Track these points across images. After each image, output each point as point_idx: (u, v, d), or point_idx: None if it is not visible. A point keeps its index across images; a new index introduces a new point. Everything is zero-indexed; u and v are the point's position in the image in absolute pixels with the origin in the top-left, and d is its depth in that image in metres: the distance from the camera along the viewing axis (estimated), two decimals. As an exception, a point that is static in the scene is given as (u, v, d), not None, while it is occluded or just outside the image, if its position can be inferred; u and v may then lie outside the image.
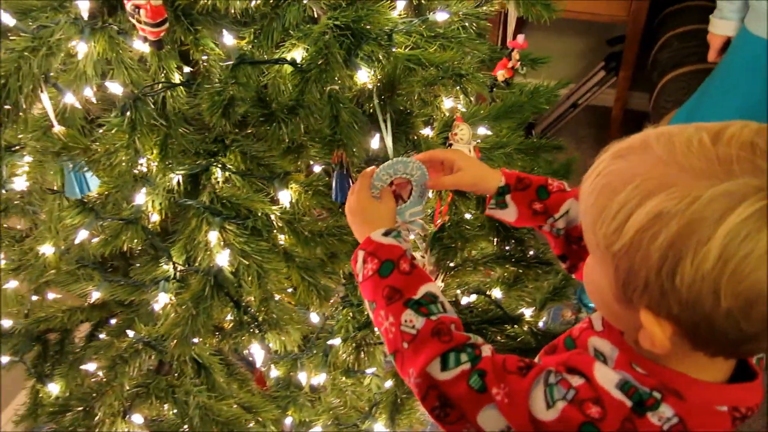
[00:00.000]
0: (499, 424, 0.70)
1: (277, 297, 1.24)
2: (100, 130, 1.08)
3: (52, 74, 1.01)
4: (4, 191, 1.23)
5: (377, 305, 0.84)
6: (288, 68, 1.02)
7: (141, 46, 1.03)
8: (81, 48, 0.99)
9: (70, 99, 1.03)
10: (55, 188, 1.19)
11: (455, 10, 1.15)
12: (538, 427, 0.67)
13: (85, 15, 0.99)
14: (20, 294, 1.46)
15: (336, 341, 1.35)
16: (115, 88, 1.06)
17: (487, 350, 0.76)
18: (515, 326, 1.38)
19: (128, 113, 1.05)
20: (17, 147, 1.17)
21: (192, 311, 1.15)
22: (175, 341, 1.17)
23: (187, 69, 1.10)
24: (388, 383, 1.43)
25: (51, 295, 1.51)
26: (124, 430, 1.31)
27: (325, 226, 1.18)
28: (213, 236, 1.14)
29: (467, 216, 1.31)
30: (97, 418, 1.29)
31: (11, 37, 0.96)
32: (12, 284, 1.41)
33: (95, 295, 1.35)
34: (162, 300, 1.22)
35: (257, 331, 1.25)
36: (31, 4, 0.98)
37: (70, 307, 1.47)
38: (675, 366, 0.68)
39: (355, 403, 1.49)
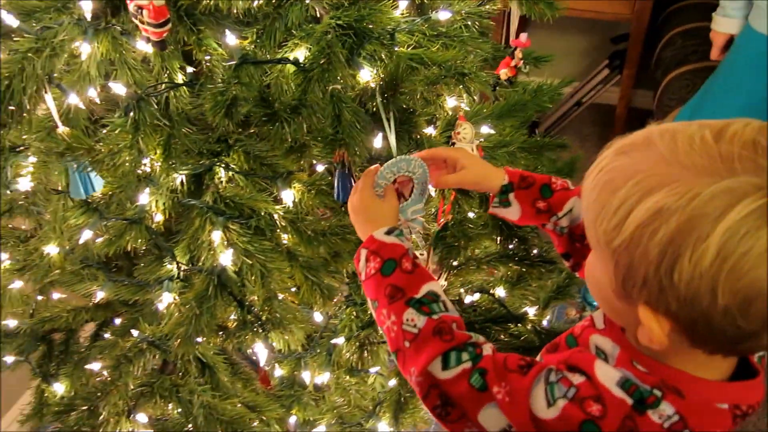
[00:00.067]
0: (500, 423, 0.71)
1: (280, 296, 1.24)
2: (104, 131, 1.08)
3: (55, 75, 1.01)
4: (8, 192, 1.24)
5: (379, 304, 0.84)
6: (291, 68, 1.02)
7: (144, 47, 1.03)
8: (84, 49, 0.99)
9: (73, 100, 1.04)
10: (60, 189, 1.20)
11: (458, 8, 1.15)
12: (539, 425, 0.67)
13: (89, 16, 0.99)
14: (25, 294, 1.46)
15: (339, 340, 1.35)
16: (118, 88, 1.07)
17: (488, 349, 0.76)
18: (519, 325, 1.38)
19: (131, 113, 1.05)
20: (21, 148, 1.18)
21: (196, 311, 1.16)
22: (179, 341, 1.18)
23: (190, 69, 1.10)
24: (392, 382, 1.42)
25: (56, 295, 1.51)
26: (129, 430, 1.31)
27: (328, 226, 1.18)
28: (216, 236, 1.14)
29: (470, 214, 1.31)
30: (101, 417, 1.30)
31: (15, 39, 0.96)
32: (17, 284, 1.41)
33: (100, 295, 1.36)
34: (166, 299, 1.23)
35: (261, 331, 1.25)
36: (35, 5, 0.98)
37: (75, 307, 1.47)
38: (676, 364, 0.68)
39: (359, 402, 1.49)
